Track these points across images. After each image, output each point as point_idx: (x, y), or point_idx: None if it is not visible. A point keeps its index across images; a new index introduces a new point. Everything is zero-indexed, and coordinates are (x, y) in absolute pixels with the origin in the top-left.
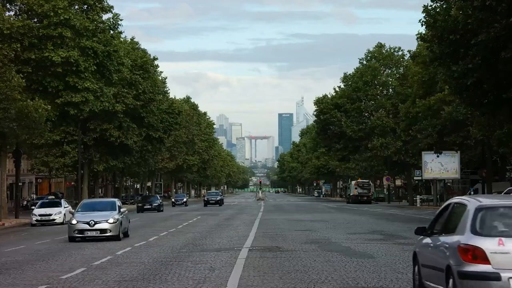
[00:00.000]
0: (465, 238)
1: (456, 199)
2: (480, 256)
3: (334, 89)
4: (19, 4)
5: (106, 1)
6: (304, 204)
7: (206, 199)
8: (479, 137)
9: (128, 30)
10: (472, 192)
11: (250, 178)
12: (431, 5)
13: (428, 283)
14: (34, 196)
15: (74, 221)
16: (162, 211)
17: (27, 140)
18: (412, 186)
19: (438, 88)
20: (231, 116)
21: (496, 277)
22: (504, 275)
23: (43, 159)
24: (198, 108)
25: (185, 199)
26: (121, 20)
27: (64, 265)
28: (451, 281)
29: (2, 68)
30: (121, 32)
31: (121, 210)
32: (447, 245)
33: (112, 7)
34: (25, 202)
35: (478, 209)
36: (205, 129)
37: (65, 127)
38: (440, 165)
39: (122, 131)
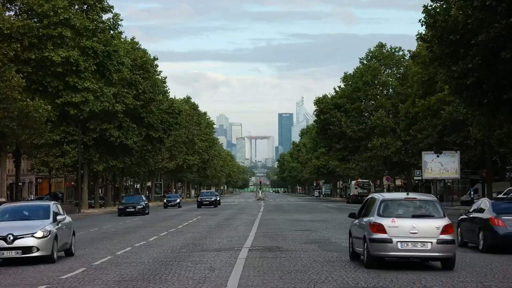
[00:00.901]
0: (374, 218)
1: (371, 195)
2: (381, 229)
3: (334, 89)
4: (19, 4)
5: (106, 1)
6: (304, 204)
7: (199, 199)
8: (479, 137)
9: (128, 30)
10: (472, 192)
11: (250, 178)
12: (431, 5)
13: (356, 248)
14: (32, 196)
15: None
16: (147, 214)
17: (27, 140)
18: (412, 186)
19: (438, 88)
20: (231, 116)
21: (390, 241)
22: (394, 239)
23: (43, 159)
24: (198, 108)
25: (178, 200)
26: (121, 20)
27: (64, 265)
28: (365, 244)
29: (2, 68)
30: (121, 32)
31: (58, 218)
32: (364, 223)
33: (112, 7)
34: None
35: (382, 201)
36: (205, 129)
37: (65, 127)
38: (440, 165)
39: (122, 131)
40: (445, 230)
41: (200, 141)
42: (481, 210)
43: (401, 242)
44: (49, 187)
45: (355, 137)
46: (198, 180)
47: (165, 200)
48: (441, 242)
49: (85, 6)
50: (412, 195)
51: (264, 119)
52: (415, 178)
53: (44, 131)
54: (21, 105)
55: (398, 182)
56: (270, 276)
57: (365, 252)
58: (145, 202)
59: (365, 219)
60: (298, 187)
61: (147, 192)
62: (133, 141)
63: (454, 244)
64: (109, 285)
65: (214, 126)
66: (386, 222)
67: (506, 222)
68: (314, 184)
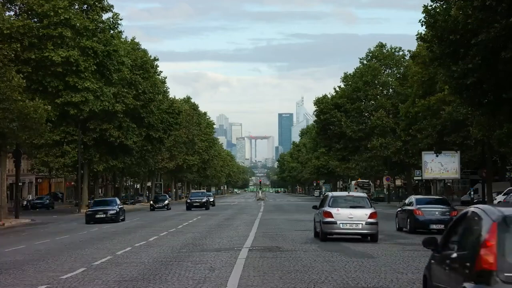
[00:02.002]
0: (326, 208)
1: (327, 193)
2: (329, 215)
3: (334, 89)
4: (19, 4)
5: (106, 1)
6: (304, 204)
7: (189, 201)
8: (479, 137)
9: (128, 30)
10: (472, 192)
11: (250, 178)
12: (431, 5)
13: (317, 229)
14: (31, 196)
15: None
16: (123, 220)
17: (27, 140)
18: (412, 186)
19: (438, 88)
20: (231, 116)
21: (335, 222)
22: (338, 222)
23: (43, 159)
24: (198, 108)
25: (167, 201)
26: (121, 19)
27: (64, 265)
28: (320, 226)
29: (2, 68)
30: (121, 32)
31: None
32: (320, 212)
33: (112, 6)
34: (25, 202)
35: (331, 197)
36: (205, 129)
37: (65, 127)
38: (440, 165)
39: (122, 131)
40: (371, 216)
41: (200, 141)
42: (410, 204)
43: (342, 223)
44: (49, 187)
45: (355, 137)
46: (198, 180)
47: (151, 202)
48: (368, 223)
49: (85, 6)
50: (351, 193)
51: (264, 119)
52: (415, 178)
53: (44, 131)
54: (21, 106)
55: (398, 182)
56: (270, 276)
57: (320, 230)
58: (120, 207)
59: (321, 209)
60: (298, 187)
61: (147, 192)
62: (133, 141)
63: (377, 225)
64: (109, 285)
65: (214, 126)
66: (333, 210)
67: (424, 212)
68: (314, 184)
